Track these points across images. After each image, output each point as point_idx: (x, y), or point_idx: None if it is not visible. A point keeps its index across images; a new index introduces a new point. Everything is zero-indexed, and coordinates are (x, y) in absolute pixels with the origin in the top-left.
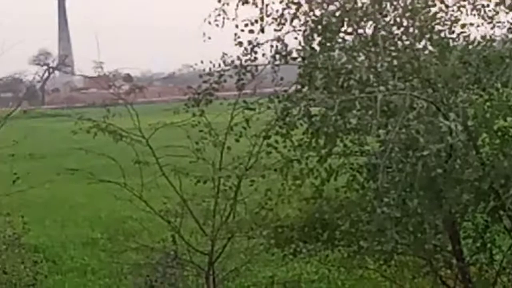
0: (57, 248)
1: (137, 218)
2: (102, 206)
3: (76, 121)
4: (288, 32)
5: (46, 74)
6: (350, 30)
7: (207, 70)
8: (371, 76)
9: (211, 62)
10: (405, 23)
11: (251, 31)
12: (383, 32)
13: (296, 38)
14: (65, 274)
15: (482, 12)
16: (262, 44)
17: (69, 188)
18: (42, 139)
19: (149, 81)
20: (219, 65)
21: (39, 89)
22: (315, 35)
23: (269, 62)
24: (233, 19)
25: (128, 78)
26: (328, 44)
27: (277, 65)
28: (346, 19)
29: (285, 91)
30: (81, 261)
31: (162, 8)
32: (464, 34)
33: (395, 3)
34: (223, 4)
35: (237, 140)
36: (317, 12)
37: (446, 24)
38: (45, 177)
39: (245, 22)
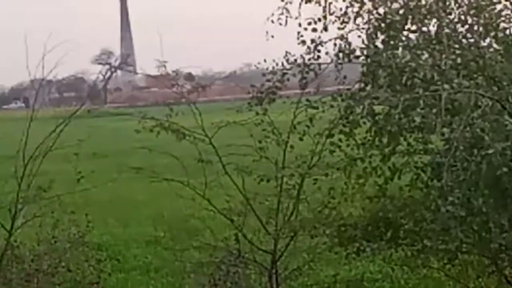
0: (120, 246)
1: (199, 217)
2: (164, 205)
3: (140, 120)
4: (351, 30)
5: (109, 73)
6: (414, 28)
7: (269, 68)
8: (435, 74)
9: (274, 60)
10: (469, 21)
11: (314, 30)
12: (447, 30)
13: (359, 36)
14: (128, 272)
15: None
16: (325, 42)
17: (132, 187)
18: (105, 138)
19: (211, 80)
20: (282, 64)
21: (102, 88)
22: (379, 33)
23: (332, 61)
24: (296, 17)
25: (189, 76)
26: (392, 42)
27: (340, 64)
28: (410, 17)
29: (348, 89)
30: (144, 259)
31: (224, 6)
32: None
33: (459, 0)
34: (286, 3)
35: (300, 139)
36: (381, 10)
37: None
38: (108, 176)
39: (308, 21)
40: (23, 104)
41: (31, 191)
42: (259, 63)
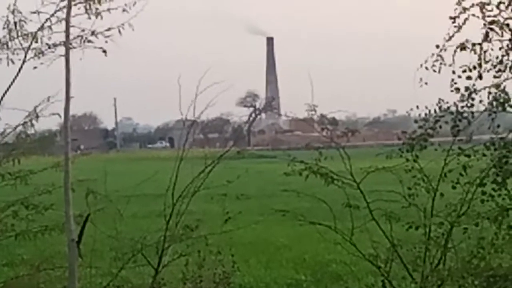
0: None
1: (341, 262)
2: (306, 249)
3: (289, 163)
4: (507, 79)
5: (253, 116)
6: None
7: (421, 115)
8: None
9: (426, 107)
10: None
11: (468, 78)
12: None
13: None
14: None
15: None
16: (479, 90)
17: (273, 229)
18: (248, 180)
19: (355, 125)
20: (435, 111)
21: (246, 130)
22: None
23: (485, 109)
24: (450, 65)
25: (333, 121)
26: None
27: (494, 112)
28: None
29: (502, 138)
30: None
31: (370, 57)
32: None
33: None
34: (441, 50)
35: (453, 187)
36: None
37: None
38: (251, 217)
39: (463, 69)
40: (168, 144)
41: (178, 230)
42: (411, 109)
